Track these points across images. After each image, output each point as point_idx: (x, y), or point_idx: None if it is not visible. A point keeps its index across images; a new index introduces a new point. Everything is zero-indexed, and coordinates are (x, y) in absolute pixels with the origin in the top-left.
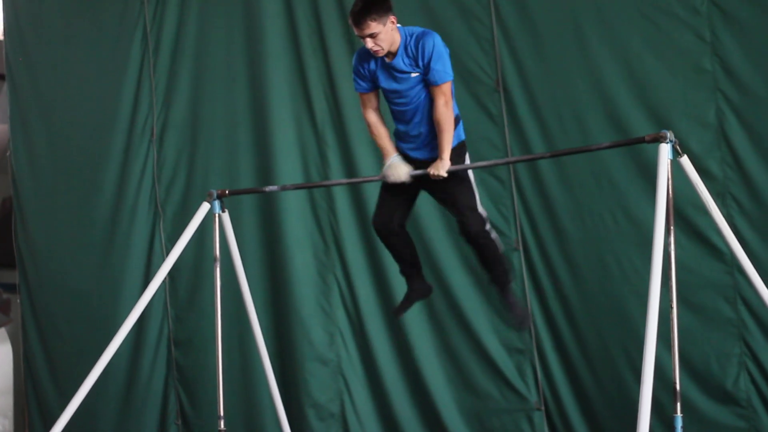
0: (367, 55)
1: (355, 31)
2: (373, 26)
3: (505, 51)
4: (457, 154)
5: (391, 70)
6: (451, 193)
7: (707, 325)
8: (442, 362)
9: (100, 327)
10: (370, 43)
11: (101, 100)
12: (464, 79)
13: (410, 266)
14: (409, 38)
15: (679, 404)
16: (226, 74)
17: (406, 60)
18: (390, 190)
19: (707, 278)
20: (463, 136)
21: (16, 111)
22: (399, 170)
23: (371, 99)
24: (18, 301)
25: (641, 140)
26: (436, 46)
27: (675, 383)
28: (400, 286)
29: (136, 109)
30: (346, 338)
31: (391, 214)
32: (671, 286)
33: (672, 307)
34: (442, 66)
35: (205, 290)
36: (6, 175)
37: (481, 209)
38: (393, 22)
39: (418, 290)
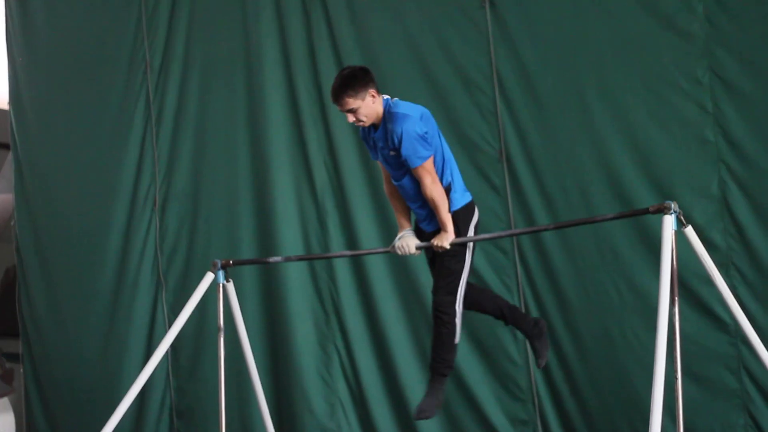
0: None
1: (337, 107)
2: (351, 102)
3: (508, 121)
4: (456, 222)
5: (377, 143)
6: (441, 263)
7: (711, 396)
8: None
9: (102, 397)
10: (351, 118)
11: (104, 169)
12: (467, 149)
13: (511, 317)
14: (387, 116)
15: None
16: (228, 144)
17: (383, 137)
18: (430, 260)
19: (711, 349)
20: (460, 204)
21: (19, 181)
22: (407, 242)
23: (384, 169)
24: (21, 370)
25: (645, 211)
26: (404, 132)
27: None
28: (400, 355)
29: (138, 179)
30: (347, 408)
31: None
32: (676, 358)
33: (677, 379)
34: (412, 151)
35: (206, 360)
36: (10, 244)
37: (461, 286)
38: (373, 96)
39: (531, 331)
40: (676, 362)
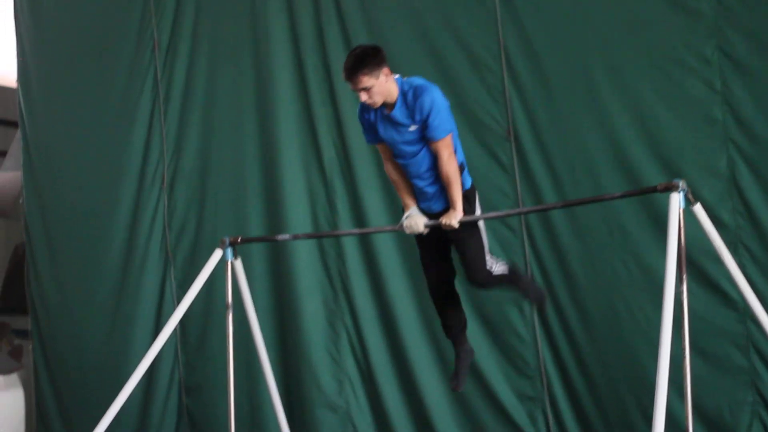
0: (366, 105)
1: (350, 86)
2: (365, 80)
3: (516, 100)
4: (466, 201)
5: (391, 122)
6: (460, 244)
7: (720, 373)
8: (452, 409)
9: (111, 373)
10: (363, 97)
11: (112, 147)
12: (475, 128)
13: (458, 328)
14: (408, 90)
15: None
16: (236, 122)
17: (405, 112)
18: (424, 246)
19: (719, 326)
20: (468, 183)
21: (27, 158)
22: (416, 221)
23: (385, 150)
24: (30, 347)
25: (653, 189)
26: (435, 101)
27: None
28: (408, 333)
29: (146, 157)
30: (355, 385)
31: (440, 275)
32: (684, 335)
33: (684, 356)
34: (440, 121)
35: (215, 337)
36: (19, 221)
37: (488, 258)
38: (387, 75)
39: (466, 352)
40: (683, 339)
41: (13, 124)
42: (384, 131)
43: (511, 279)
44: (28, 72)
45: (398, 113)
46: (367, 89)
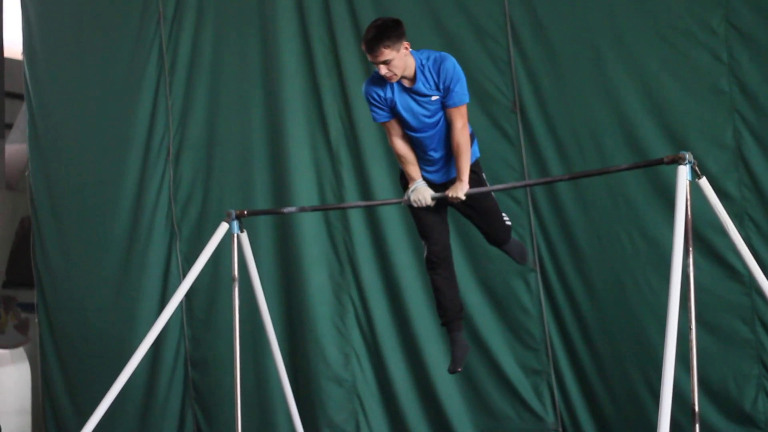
0: (380, 82)
1: (369, 58)
2: (387, 53)
3: (522, 72)
4: (473, 172)
5: (412, 95)
6: (477, 212)
7: (725, 346)
8: (458, 383)
9: (117, 346)
10: (383, 70)
11: (117, 119)
12: (481, 100)
13: (454, 312)
14: (425, 61)
15: (698, 426)
16: (242, 94)
17: (427, 83)
18: (425, 214)
19: (725, 299)
20: (478, 154)
21: (33, 131)
22: (423, 194)
23: (395, 126)
24: (36, 320)
25: (660, 162)
26: (456, 68)
27: (694, 405)
28: (414, 306)
29: (152, 129)
30: (361, 358)
31: (443, 240)
32: (690, 308)
33: (691, 329)
34: (461, 88)
35: (221, 310)
36: (25, 194)
37: (505, 218)
38: (406, 48)
39: (462, 341)
40: (690, 312)
41: (18, 97)
42: (403, 105)
43: (513, 250)
44: (33, 44)
45: (421, 85)
46: (387, 62)
